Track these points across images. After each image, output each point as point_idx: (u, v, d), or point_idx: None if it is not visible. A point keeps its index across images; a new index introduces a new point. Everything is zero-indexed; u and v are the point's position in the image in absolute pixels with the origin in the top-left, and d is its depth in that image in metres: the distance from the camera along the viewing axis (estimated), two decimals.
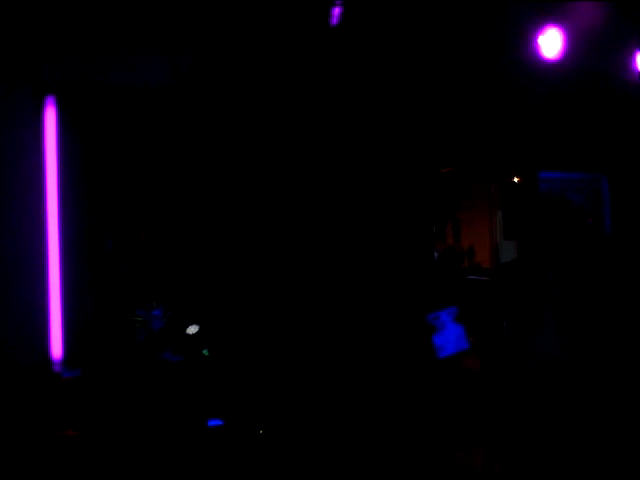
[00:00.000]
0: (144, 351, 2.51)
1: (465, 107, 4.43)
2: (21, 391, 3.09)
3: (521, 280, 2.75)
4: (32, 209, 3.44)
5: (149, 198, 3.75)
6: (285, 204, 3.90)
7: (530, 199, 4.73)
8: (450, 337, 3.05)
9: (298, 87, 3.95)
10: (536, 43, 4.43)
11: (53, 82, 3.52)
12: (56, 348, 3.41)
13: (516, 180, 5.06)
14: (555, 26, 4.43)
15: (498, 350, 2.76)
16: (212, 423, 3.02)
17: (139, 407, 2.51)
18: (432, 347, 3.05)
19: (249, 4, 3.70)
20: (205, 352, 3.30)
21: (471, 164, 4.74)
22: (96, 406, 2.75)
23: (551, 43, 4.43)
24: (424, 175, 4.43)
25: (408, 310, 3.64)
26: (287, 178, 3.94)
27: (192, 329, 3.20)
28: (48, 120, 3.52)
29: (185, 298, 2.88)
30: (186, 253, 3.66)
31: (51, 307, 3.44)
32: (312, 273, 3.73)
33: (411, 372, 3.54)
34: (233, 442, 2.89)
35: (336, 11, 3.79)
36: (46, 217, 3.48)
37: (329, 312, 3.65)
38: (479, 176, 5.16)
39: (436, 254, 5.42)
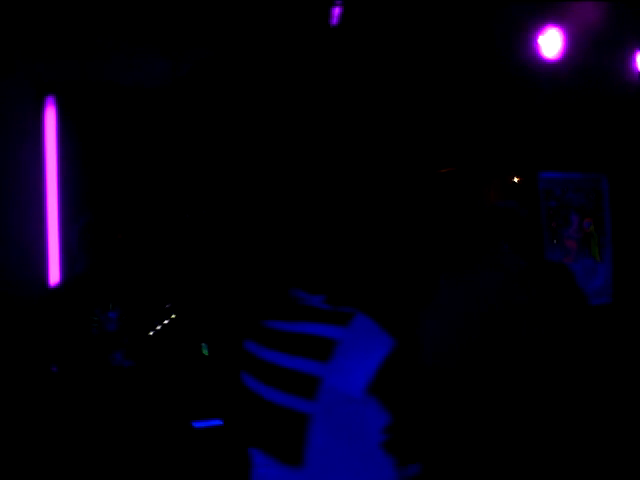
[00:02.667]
0: (93, 352, 2.52)
1: (465, 107, 4.43)
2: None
3: None
4: (32, 208, 3.45)
5: (149, 198, 3.75)
6: (285, 204, 3.90)
7: (529, 198, 4.74)
8: None
9: (298, 87, 3.96)
10: (536, 43, 4.44)
11: (53, 82, 3.52)
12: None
13: (516, 180, 5.06)
14: (555, 26, 4.43)
15: None
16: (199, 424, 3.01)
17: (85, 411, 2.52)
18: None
19: (249, 4, 3.70)
20: (205, 351, 3.29)
21: (471, 164, 4.74)
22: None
23: (551, 43, 4.44)
24: (424, 175, 4.43)
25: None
26: (287, 178, 3.94)
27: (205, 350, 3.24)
28: (48, 120, 3.52)
29: (149, 301, 2.90)
30: (174, 253, 3.67)
31: None
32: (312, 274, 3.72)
33: None
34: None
35: (336, 11, 3.79)
36: (46, 216, 3.48)
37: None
38: (479, 176, 5.15)
39: None
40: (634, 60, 4.70)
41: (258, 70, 3.88)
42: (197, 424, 3.00)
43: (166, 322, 3.21)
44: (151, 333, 2.85)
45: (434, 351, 2.14)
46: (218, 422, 2.93)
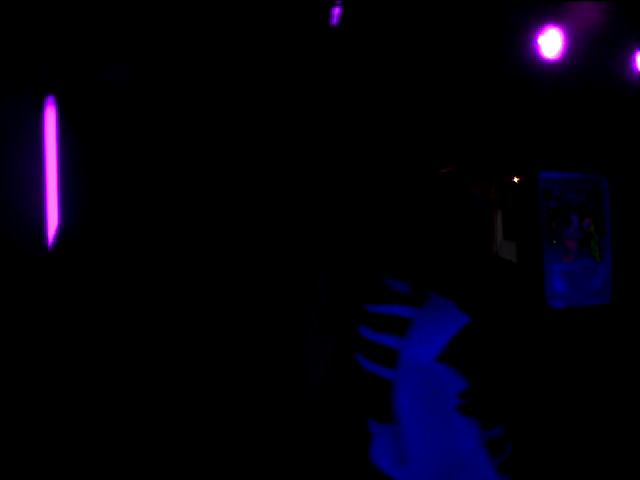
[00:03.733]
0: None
1: (465, 107, 4.43)
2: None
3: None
4: (32, 208, 3.45)
5: (149, 198, 3.75)
6: (284, 204, 3.90)
7: (529, 199, 4.74)
8: None
9: (298, 87, 3.96)
10: (536, 43, 4.44)
11: (53, 82, 3.52)
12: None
13: (516, 180, 5.06)
14: (555, 26, 4.44)
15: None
16: None
17: None
18: None
19: (249, 4, 3.70)
20: None
21: (471, 164, 4.74)
22: None
23: (551, 43, 4.44)
24: (424, 175, 4.43)
25: None
26: (288, 177, 3.95)
27: None
28: (48, 120, 3.52)
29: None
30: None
31: None
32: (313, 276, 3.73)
33: None
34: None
35: (336, 11, 3.79)
36: (46, 216, 3.48)
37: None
38: (479, 176, 5.15)
39: None
40: (634, 60, 4.70)
41: (258, 70, 3.88)
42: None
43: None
44: None
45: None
46: None
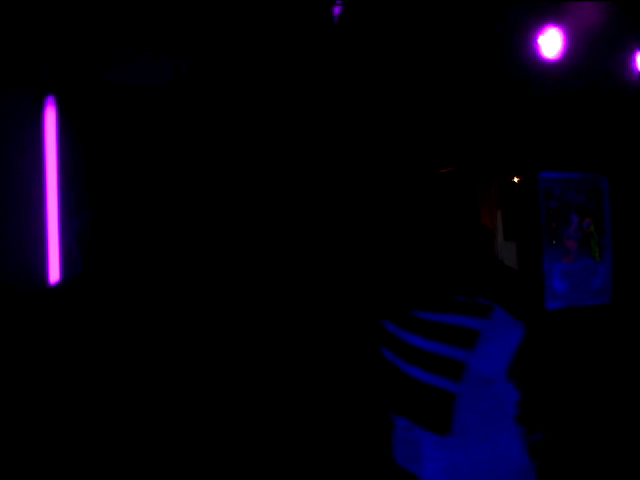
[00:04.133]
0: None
1: (465, 107, 4.43)
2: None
3: None
4: (32, 208, 3.44)
5: (149, 198, 3.74)
6: (285, 204, 3.90)
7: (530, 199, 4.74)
8: None
9: (299, 87, 3.95)
10: (536, 43, 4.44)
11: (53, 82, 3.51)
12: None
13: (516, 180, 5.06)
14: (555, 26, 4.44)
15: None
16: None
17: None
18: None
19: (249, 3, 3.70)
20: None
21: (471, 164, 4.74)
22: None
23: (551, 43, 4.44)
24: (424, 175, 4.43)
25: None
26: (289, 177, 3.94)
27: None
28: (48, 120, 3.51)
29: None
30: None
31: None
32: (313, 279, 3.72)
33: None
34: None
35: (336, 10, 3.79)
36: (46, 216, 3.48)
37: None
38: (479, 176, 5.15)
39: None
40: (634, 60, 4.70)
41: (259, 69, 3.88)
42: None
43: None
44: None
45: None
46: None
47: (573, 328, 4.58)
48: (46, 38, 3.45)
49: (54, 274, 3.46)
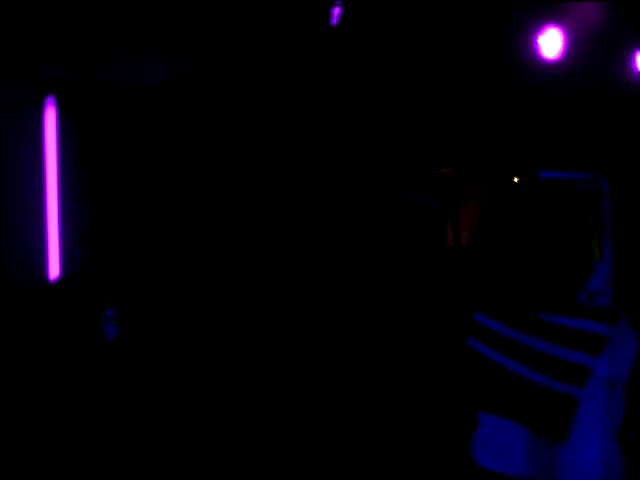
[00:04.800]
0: (97, 357, 2.48)
1: (464, 107, 4.43)
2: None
3: None
4: (32, 208, 3.45)
5: (149, 197, 3.75)
6: (284, 204, 3.90)
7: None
8: None
9: (299, 87, 3.96)
10: (536, 43, 4.44)
11: (53, 82, 3.52)
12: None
13: (516, 180, 5.05)
14: (555, 26, 4.43)
15: None
16: None
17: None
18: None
19: (249, 4, 3.70)
20: None
21: (471, 164, 4.74)
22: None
23: (551, 43, 4.43)
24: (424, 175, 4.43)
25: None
26: (288, 176, 3.94)
27: None
28: (48, 120, 3.52)
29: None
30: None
31: None
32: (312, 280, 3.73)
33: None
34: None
35: (336, 11, 3.79)
36: (46, 217, 3.48)
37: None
38: (479, 176, 5.15)
39: None
40: (634, 60, 4.70)
41: (258, 70, 3.88)
42: None
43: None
44: None
45: None
46: None
47: None
48: (46, 38, 3.45)
49: (54, 271, 3.46)
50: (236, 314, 3.54)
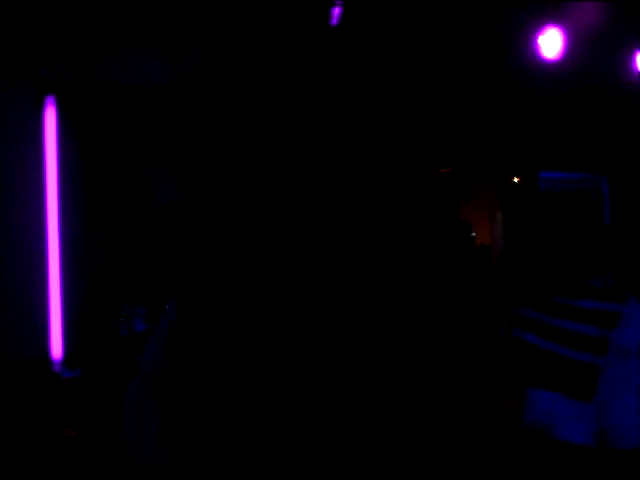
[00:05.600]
0: (125, 350, 2.50)
1: (465, 107, 4.43)
2: (21, 391, 3.10)
3: None
4: (32, 208, 3.45)
5: (149, 197, 3.75)
6: (284, 203, 3.89)
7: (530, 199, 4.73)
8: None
9: (298, 87, 3.96)
10: (536, 43, 4.44)
11: (53, 82, 3.52)
12: (56, 348, 3.42)
13: (516, 180, 5.06)
14: (555, 26, 4.44)
15: None
16: None
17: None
18: None
19: (249, 4, 3.70)
20: None
21: (471, 164, 4.74)
22: (96, 406, 2.74)
23: (551, 43, 4.44)
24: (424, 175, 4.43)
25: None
26: (288, 176, 3.94)
27: None
28: (48, 120, 3.52)
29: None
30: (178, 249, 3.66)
31: (51, 307, 3.45)
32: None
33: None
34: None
35: (336, 11, 3.79)
36: (46, 216, 3.48)
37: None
38: (479, 176, 5.16)
39: None
40: (634, 60, 4.70)
41: (258, 70, 3.88)
42: None
43: None
44: None
45: None
46: None
47: None
48: (46, 38, 3.45)
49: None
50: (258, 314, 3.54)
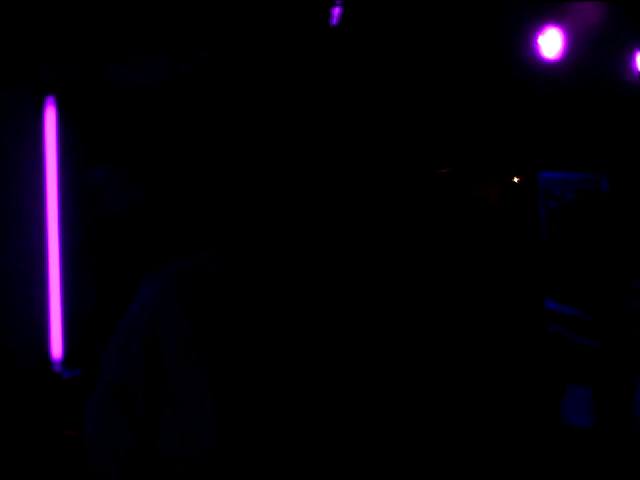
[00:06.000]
0: None
1: (464, 107, 4.43)
2: (21, 391, 3.11)
3: None
4: (32, 208, 3.45)
5: (151, 197, 3.75)
6: (284, 204, 3.89)
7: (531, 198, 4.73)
8: None
9: (298, 87, 3.96)
10: (536, 43, 4.44)
11: (53, 82, 3.52)
12: (56, 348, 3.43)
13: (516, 180, 5.06)
14: (555, 26, 4.44)
15: None
16: None
17: None
18: None
19: (248, 4, 3.70)
20: None
21: (471, 164, 4.74)
22: None
23: (551, 43, 4.44)
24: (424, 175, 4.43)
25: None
26: (287, 176, 3.94)
27: None
28: (48, 120, 3.52)
29: None
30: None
31: (51, 307, 3.45)
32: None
33: None
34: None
35: (336, 11, 3.79)
36: (46, 216, 3.48)
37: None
38: (479, 176, 5.16)
39: None
40: (634, 60, 4.71)
41: (258, 70, 3.88)
42: None
43: None
44: None
45: None
46: None
47: None
48: (46, 38, 3.45)
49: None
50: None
